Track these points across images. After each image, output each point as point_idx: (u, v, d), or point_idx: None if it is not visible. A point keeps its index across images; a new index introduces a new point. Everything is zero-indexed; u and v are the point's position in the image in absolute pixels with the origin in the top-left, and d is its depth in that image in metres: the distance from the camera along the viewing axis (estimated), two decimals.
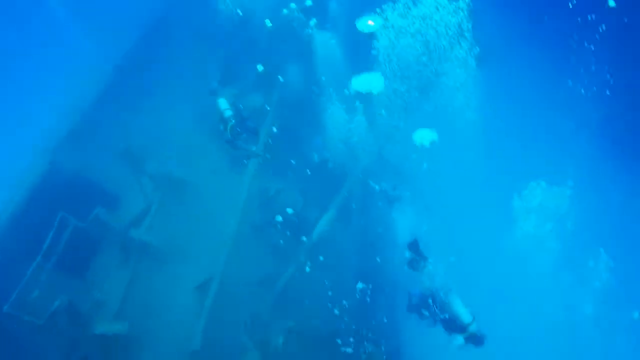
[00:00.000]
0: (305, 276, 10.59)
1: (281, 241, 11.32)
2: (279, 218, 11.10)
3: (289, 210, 11.22)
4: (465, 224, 16.95)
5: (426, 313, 8.50)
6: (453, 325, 8.34)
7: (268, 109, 12.52)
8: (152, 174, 10.79)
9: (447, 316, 8.36)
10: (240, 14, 14.20)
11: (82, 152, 10.38)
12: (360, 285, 10.59)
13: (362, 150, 13.27)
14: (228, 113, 9.29)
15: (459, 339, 8.34)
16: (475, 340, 8.30)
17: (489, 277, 16.04)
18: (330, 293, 10.82)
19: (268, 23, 13.73)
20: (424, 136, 15.57)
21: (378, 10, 13.32)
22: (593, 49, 17.01)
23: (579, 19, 16.54)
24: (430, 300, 8.34)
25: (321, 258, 10.81)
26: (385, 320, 11.10)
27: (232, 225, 10.39)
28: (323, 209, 11.72)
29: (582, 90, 17.97)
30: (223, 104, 9.45)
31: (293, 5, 14.03)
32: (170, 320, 9.03)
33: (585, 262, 18.11)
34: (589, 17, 16.35)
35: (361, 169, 12.62)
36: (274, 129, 12.09)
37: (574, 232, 17.41)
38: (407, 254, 8.84)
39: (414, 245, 8.91)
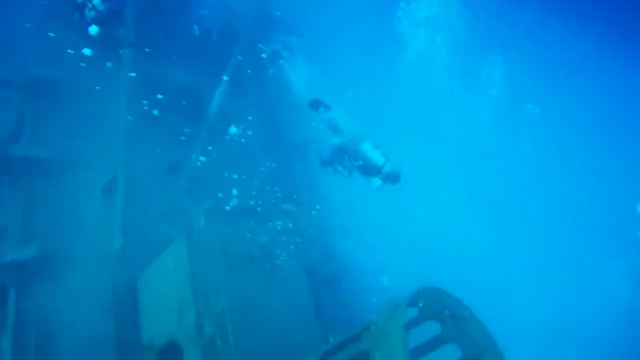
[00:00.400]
0: (214, 153, 10.40)
1: (180, 121, 10.89)
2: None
3: None
4: None
5: (340, 167, 8.74)
6: (368, 169, 8.68)
7: None
8: (9, 81, 9.59)
9: (361, 163, 8.63)
10: None
11: None
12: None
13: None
14: None
15: (377, 181, 8.76)
16: (392, 178, 8.77)
17: None
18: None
19: None
20: None
21: None
22: None
23: None
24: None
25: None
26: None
27: (123, 118, 9.72)
28: (215, 81, 11.17)
29: None
30: None
31: None
32: (82, 230, 8.72)
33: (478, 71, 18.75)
34: None
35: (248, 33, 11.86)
36: None
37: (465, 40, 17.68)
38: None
39: (315, 102, 8.84)
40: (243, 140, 10.63)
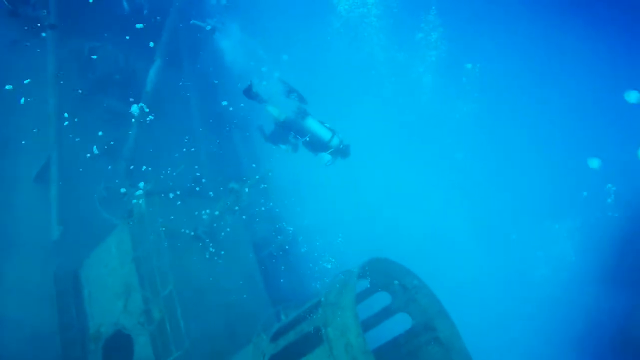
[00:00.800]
0: (150, 132, 10.10)
1: (114, 101, 10.50)
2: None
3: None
4: None
5: (283, 146, 8.54)
6: (315, 145, 8.42)
7: None
8: None
9: (307, 139, 8.38)
10: None
11: None
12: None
13: None
14: None
15: (326, 156, 8.48)
16: (341, 152, 8.50)
17: None
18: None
19: None
20: None
21: None
22: None
23: None
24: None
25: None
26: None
27: (52, 98, 9.23)
28: (149, 58, 10.77)
29: None
30: None
31: None
32: (16, 220, 8.31)
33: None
34: None
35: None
36: None
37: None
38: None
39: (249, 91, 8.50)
40: None
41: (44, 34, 9.28)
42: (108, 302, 7.60)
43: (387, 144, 16.08)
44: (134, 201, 7.64)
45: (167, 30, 10.70)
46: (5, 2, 7.31)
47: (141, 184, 8.23)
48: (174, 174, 8.49)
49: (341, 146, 8.47)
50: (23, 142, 9.08)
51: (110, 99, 10.48)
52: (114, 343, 7.36)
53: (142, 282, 7.07)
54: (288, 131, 8.29)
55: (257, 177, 7.97)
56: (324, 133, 8.40)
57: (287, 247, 9.77)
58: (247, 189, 7.83)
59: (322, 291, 5.35)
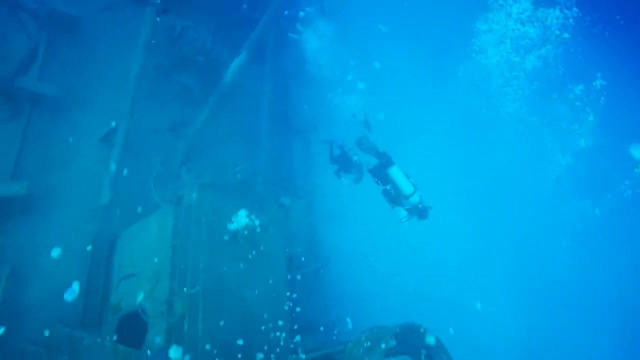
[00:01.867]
0: (218, 122, 10.21)
1: (192, 82, 10.67)
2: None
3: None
4: None
5: (345, 180, 8.40)
6: (394, 197, 8.21)
7: None
8: (34, 10, 9.27)
9: (388, 187, 8.22)
10: None
11: None
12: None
13: None
14: None
15: (402, 212, 8.26)
16: (419, 212, 8.25)
17: None
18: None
19: None
20: None
21: None
22: None
23: None
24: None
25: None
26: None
27: (135, 67, 9.44)
28: (235, 49, 10.88)
29: None
30: None
31: None
32: (74, 176, 8.57)
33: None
34: None
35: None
36: None
37: None
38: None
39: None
40: None
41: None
42: (136, 281, 7.71)
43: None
44: (186, 189, 7.69)
45: (261, 26, 10.75)
46: None
47: (196, 172, 8.34)
48: (233, 170, 8.49)
49: (420, 206, 8.22)
50: (98, 102, 9.39)
51: (189, 77, 10.64)
52: (130, 321, 7.46)
53: (172, 273, 7.11)
54: (354, 167, 8.16)
55: (310, 197, 7.90)
56: (406, 186, 8.14)
57: (321, 271, 9.67)
58: (295, 207, 7.79)
59: (349, 341, 5.23)
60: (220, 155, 10.12)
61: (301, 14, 12.18)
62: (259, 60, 11.28)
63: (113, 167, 8.62)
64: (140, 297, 7.38)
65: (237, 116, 10.75)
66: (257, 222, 7.95)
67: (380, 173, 8.14)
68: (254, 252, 7.88)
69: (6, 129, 8.61)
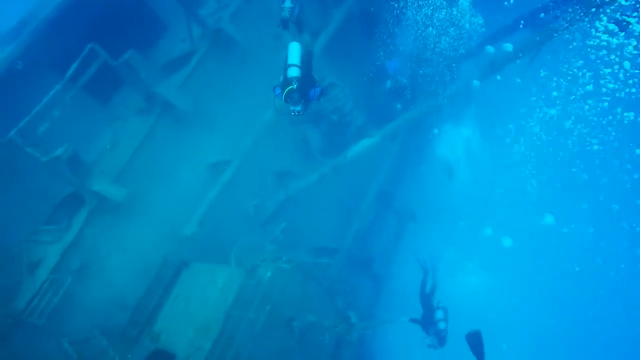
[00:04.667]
0: (322, 189, 9.99)
1: (316, 138, 10.61)
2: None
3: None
4: None
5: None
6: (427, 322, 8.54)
7: None
8: (204, 22, 9.50)
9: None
10: None
11: None
12: None
13: None
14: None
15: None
16: (439, 340, 8.42)
17: None
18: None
19: None
20: None
21: None
22: None
23: None
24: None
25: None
26: None
27: (269, 113, 9.37)
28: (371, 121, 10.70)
29: None
30: None
31: None
32: (170, 192, 8.62)
33: None
34: None
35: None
36: None
37: None
38: None
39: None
40: None
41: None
42: (183, 322, 7.68)
43: None
44: (263, 263, 7.54)
45: (403, 120, 10.34)
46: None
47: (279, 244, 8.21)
48: (320, 259, 8.31)
49: (442, 334, 8.42)
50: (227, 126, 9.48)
51: (315, 132, 10.59)
52: (160, 356, 7.45)
53: (220, 335, 7.00)
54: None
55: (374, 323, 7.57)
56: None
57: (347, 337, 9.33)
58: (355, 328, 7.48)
59: None
60: (310, 220, 9.94)
61: None
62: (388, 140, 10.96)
63: (209, 200, 8.64)
64: (180, 339, 7.36)
65: (343, 188, 10.51)
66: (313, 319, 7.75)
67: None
68: (300, 346, 7.65)
69: (133, 123, 8.93)
